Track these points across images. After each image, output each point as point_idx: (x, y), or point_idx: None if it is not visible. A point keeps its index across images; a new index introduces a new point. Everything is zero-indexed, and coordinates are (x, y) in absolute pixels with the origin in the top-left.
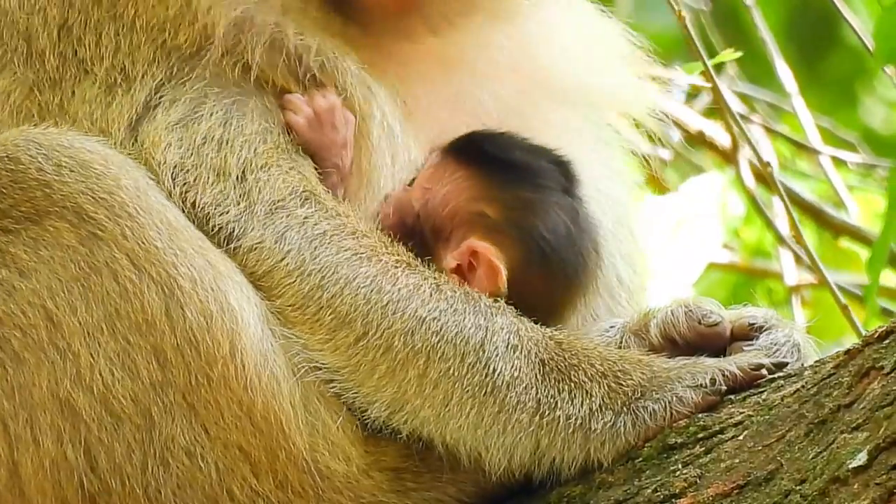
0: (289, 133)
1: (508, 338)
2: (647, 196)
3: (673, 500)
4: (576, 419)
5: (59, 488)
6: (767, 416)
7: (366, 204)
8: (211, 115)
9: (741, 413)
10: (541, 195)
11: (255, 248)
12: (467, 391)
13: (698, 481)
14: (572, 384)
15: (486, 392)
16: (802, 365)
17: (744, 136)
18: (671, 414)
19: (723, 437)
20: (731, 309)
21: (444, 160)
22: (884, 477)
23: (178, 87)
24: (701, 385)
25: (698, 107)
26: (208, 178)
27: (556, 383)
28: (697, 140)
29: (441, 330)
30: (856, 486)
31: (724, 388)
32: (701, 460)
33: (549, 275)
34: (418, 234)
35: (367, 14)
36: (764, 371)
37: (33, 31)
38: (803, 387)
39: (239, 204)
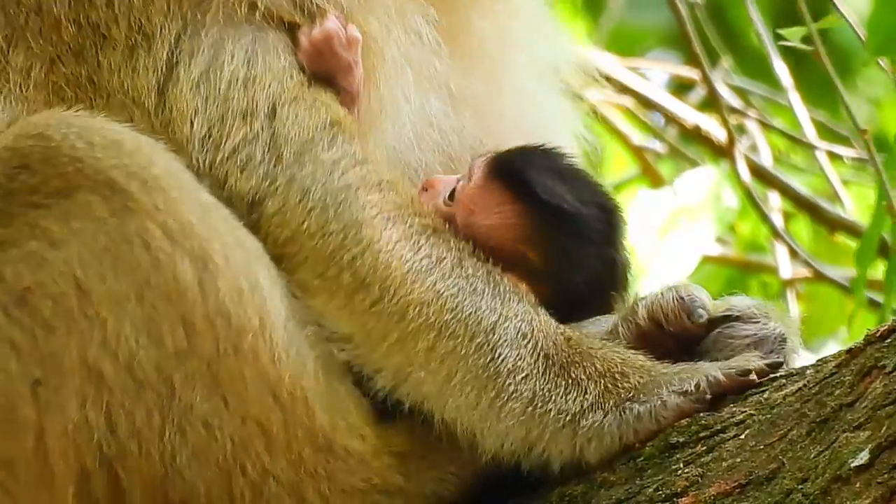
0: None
1: (520, 326)
2: (641, 190)
3: (675, 498)
4: (566, 414)
5: (79, 453)
6: (769, 415)
7: (384, 127)
8: (232, 57)
9: (743, 412)
10: (584, 248)
11: (279, 213)
12: (470, 372)
13: (700, 480)
14: (570, 380)
15: (487, 375)
16: (786, 356)
17: (740, 130)
18: (656, 419)
19: (724, 436)
20: (720, 299)
21: (492, 184)
22: (885, 476)
23: (195, 38)
24: (686, 391)
25: (693, 101)
26: (234, 125)
27: (554, 377)
28: (692, 134)
29: (456, 308)
30: (858, 485)
31: (708, 395)
32: (703, 459)
33: (572, 319)
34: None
35: None
36: (753, 377)
37: (44, 2)
38: (805, 385)
39: (267, 151)
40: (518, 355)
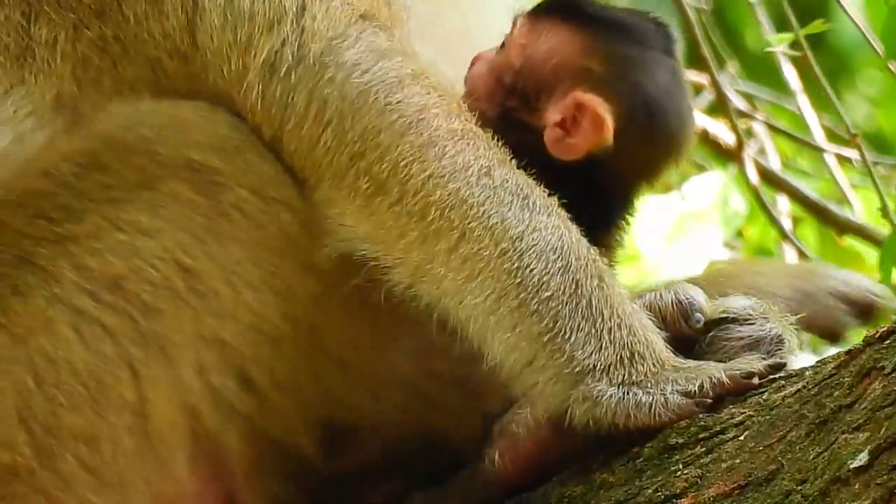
0: None
1: (550, 239)
2: (649, 195)
3: (674, 500)
4: (576, 364)
5: (199, 419)
6: (768, 417)
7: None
8: None
9: (742, 413)
10: (645, 53)
11: (296, 128)
12: (493, 275)
13: (699, 481)
14: (593, 330)
15: (511, 284)
16: (783, 357)
17: (748, 134)
18: (654, 415)
19: (724, 437)
20: (717, 300)
21: (540, 20)
22: (885, 477)
23: None
24: (690, 392)
25: (700, 105)
26: (262, 39)
27: (581, 315)
28: (700, 138)
29: (481, 215)
30: (857, 487)
31: (710, 397)
32: (702, 460)
33: (652, 131)
34: (519, 92)
35: None
36: (755, 380)
37: None
38: (804, 387)
39: (295, 54)
40: (545, 269)
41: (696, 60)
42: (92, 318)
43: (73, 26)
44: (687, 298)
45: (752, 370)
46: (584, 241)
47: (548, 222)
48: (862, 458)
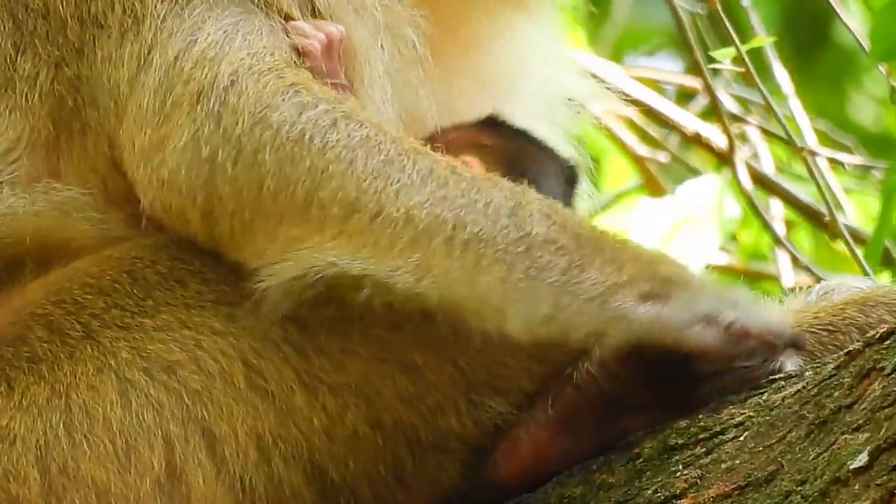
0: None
1: (541, 208)
2: (643, 199)
3: (674, 500)
4: (600, 286)
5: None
6: (768, 417)
7: None
8: (207, 36)
9: (742, 414)
10: (540, 155)
11: (234, 195)
12: (500, 249)
13: (699, 482)
14: (606, 258)
15: (519, 252)
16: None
17: (741, 138)
18: (681, 336)
19: (723, 437)
20: None
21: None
22: (885, 478)
23: (177, 18)
24: (715, 321)
25: (694, 109)
26: (184, 115)
27: (590, 253)
28: (693, 142)
29: (467, 203)
30: (857, 487)
31: (734, 338)
32: (702, 461)
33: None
34: None
35: None
36: (772, 338)
37: (50, 4)
38: (804, 388)
39: (216, 134)
40: (548, 231)
41: (690, 64)
42: (140, 389)
43: (56, 64)
44: None
45: (784, 332)
46: (568, 208)
47: (531, 196)
48: (862, 459)
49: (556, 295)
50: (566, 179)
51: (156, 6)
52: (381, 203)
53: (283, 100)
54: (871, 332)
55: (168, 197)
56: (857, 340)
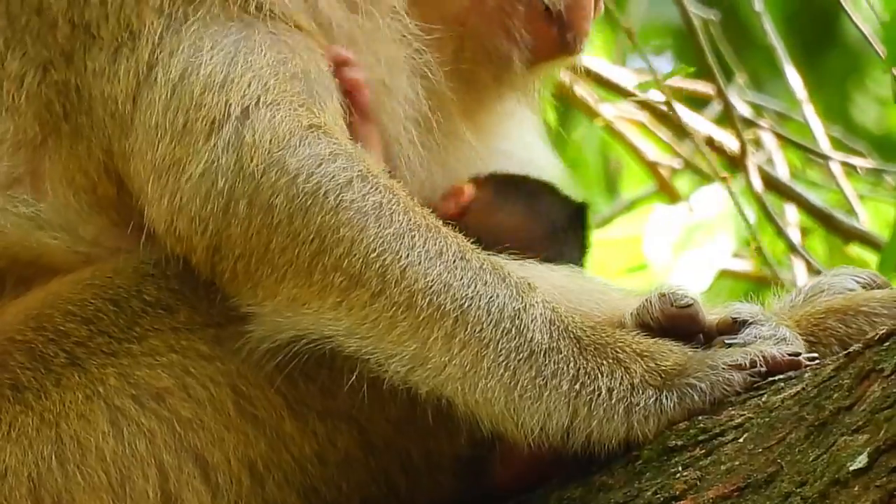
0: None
1: (544, 312)
2: (657, 205)
3: (673, 502)
4: (617, 391)
5: None
6: (767, 419)
7: None
8: (211, 58)
9: (741, 415)
10: (539, 195)
11: (243, 238)
12: (501, 354)
13: (698, 484)
14: (611, 360)
15: (521, 358)
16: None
17: (756, 144)
18: (719, 393)
19: (723, 439)
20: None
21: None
22: (884, 479)
23: (175, 36)
24: (742, 366)
25: (708, 115)
26: (200, 141)
27: (594, 358)
28: (707, 148)
29: (472, 296)
30: (856, 489)
31: (764, 369)
32: (701, 463)
33: (500, 210)
34: None
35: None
36: (801, 359)
37: (44, 1)
38: (803, 389)
39: (233, 166)
40: (551, 337)
41: (704, 71)
42: (130, 418)
43: (44, 66)
44: (670, 289)
45: (798, 350)
46: (569, 308)
47: (534, 297)
48: (861, 461)
49: (572, 405)
50: (571, 215)
51: (152, 22)
52: (385, 281)
53: (301, 144)
54: (871, 334)
55: (177, 221)
56: (838, 352)
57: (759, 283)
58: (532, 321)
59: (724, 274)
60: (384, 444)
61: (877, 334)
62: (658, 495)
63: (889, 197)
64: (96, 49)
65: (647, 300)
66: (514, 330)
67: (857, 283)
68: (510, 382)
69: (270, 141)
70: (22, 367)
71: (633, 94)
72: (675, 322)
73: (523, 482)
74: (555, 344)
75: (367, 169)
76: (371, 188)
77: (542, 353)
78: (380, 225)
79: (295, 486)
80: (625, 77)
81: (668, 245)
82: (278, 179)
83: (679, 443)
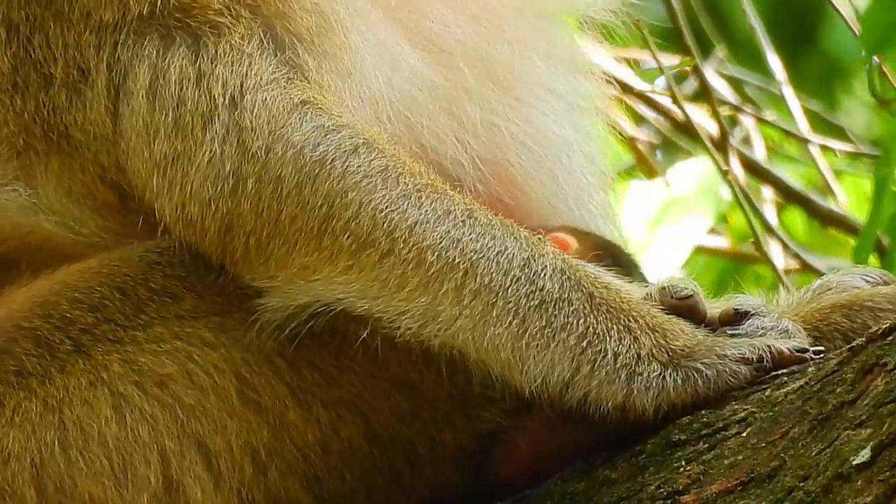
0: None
1: (555, 262)
2: (634, 180)
3: (676, 496)
4: (622, 358)
5: None
6: (771, 413)
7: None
8: (180, 48)
9: (744, 410)
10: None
11: (255, 213)
12: (510, 302)
13: (702, 478)
14: (621, 325)
15: (532, 306)
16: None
17: (732, 122)
18: (723, 384)
19: (726, 433)
20: (725, 297)
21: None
22: (887, 473)
23: (127, 53)
24: (749, 360)
25: (686, 91)
26: (198, 133)
27: (604, 319)
28: (684, 126)
29: (480, 249)
30: (859, 483)
31: (770, 365)
32: (704, 457)
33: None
34: None
35: None
36: (808, 355)
37: None
38: (807, 384)
39: (234, 151)
40: (562, 287)
41: (681, 47)
42: (133, 404)
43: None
44: (670, 282)
45: (803, 343)
46: (583, 262)
47: (546, 249)
48: (864, 455)
49: (576, 361)
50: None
51: (98, 53)
52: (394, 241)
53: (302, 119)
54: (874, 328)
55: (188, 208)
56: (842, 346)
57: (735, 260)
58: (542, 269)
59: (700, 250)
60: (388, 435)
61: (880, 329)
62: (661, 489)
63: (867, 172)
64: (54, 88)
65: (647, 293)
66: (523, 277)
67: (867, 281)
68: (518, 330)
69: (268, 122)
70: (27, 353)
71: (628, 85)
72: (675, 313)
73: (526, 476)
74: (566, 295)
75: (371, 137)
76: (377, 154)
77: (553, 303)
78: (387, 187)
79: (298, 475)
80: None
81: (645, 221)
82: (285, 153)
83: (682, 437)
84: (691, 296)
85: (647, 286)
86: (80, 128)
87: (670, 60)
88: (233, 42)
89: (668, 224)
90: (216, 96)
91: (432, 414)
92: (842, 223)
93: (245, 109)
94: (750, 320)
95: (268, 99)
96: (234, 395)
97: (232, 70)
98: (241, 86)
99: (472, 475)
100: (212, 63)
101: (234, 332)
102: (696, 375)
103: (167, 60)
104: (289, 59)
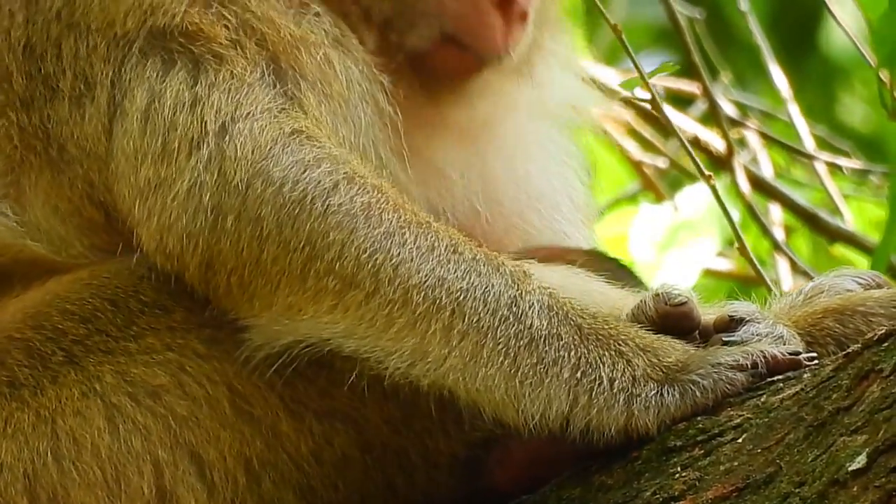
0: None
1: (542, 299)
2: (642, 204)
3: (672, 502)
4: (618, 382)
5: None
6: (766, 419)
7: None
8: (173, 83)
9: (740, 416)
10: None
11: (234, 251)
12: (500, 342)
13: (697, 484)
14: (612, 351)
15: (521, 345)
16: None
17: (741, 143)
18: (720, 392)
19: (722, 439)
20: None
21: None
22: (883, 479)
23: (131, 73)
24: (744, 367)
25: (693, 114)
26: (182, 160)
27: (595, 348)
28: (692, 147)
29: (467, 288)
30: (855, 489)
31: (765, 370)
32: (700, 463)
33: None
34: None
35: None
36: (801, 358)
37: None
38: (802, 390)
39: (215, 182)
40: (550, 323)
41: (688, 69)
42: (126, 414)
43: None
44: (664, 289)
45: (799, 349)
46: (568, 296)
47: (530, 284)
48: (860, 461)
49: (573, 392)
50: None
51: (105, 68)
52: (379, 280)
53: (284, 151)
54: (869, 334)
55: (167, 240)
56: (835, 352)
57: (743, 283)
58: (529, 307)
59: (708, 273)
60: (381, 444)
61: (875, 334)
62: (657, 495)
63: (873, 196)
64: (58, 100)
65: (642, 300)
66: (511, 317)
67: (859, 284)
68: (510, 370)
69: (252, 152)
70: (20, 364)
71: (618, 93)
72: (670, 320)
73: (521, 483)
74: (555, 330)
75: (352, 170)
76: (358, 189)
77: (543, 339)
78: (369, 225)
79: (291, 485)
80: (610, 77)
81: (653, 244)
82: (264, 190)
83: (678, 443)
84: (685, 302)
85: (640, 293)
86: (76, 142)
87: (676, 83)
88: (234, 71)
89: (677, 247)
90: (207, 122)
91: (425, 423)
92: (850, 240)
93: (233, 138)
94: (745, 327)
95: (255, 128)
96: (227, 406)
97: (229, 97)
98: (234, 113)
99: (467, 483)
100: (209, 88)
101: (226, 345)
102: (692, 388)
103: (165, 83)
104: (289, 91)
